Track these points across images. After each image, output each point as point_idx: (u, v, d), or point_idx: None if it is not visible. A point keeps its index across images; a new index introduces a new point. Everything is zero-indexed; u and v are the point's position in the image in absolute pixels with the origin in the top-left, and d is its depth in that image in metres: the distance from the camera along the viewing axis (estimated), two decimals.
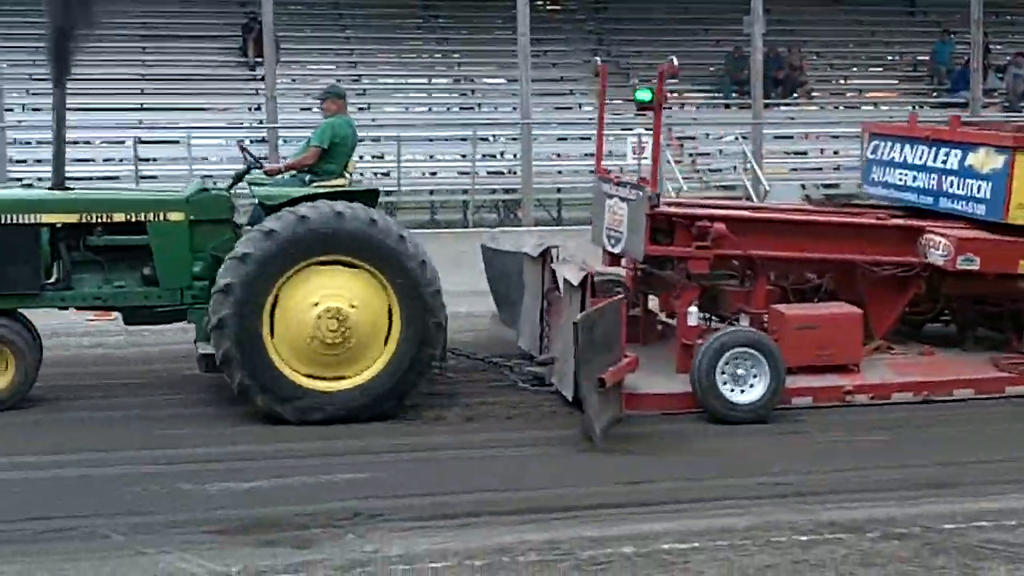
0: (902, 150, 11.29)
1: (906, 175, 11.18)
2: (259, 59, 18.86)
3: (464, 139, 18.63)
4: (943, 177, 10.67)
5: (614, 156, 18.85)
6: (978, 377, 9.89)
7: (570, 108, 21.36)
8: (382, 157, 19.16)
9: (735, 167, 19.71)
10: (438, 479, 7.79)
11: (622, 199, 9.85)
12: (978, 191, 10.24)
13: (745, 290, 9.90)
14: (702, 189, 18.94)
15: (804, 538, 6.79)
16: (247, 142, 12.06)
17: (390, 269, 8.87)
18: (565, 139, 20.16)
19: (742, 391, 9.00)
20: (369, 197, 9.30)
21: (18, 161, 17.61)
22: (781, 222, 10.08)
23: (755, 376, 9.03)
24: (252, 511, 7.18)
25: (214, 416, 9.28)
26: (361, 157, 19.85)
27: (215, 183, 9.74)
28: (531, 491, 7.61)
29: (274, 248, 8.68)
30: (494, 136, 19.63)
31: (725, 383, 9.00)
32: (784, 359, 9.13)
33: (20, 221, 9.10)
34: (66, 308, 9.63)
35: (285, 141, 17.71)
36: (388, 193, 18.32)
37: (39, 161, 17.76)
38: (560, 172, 19.21)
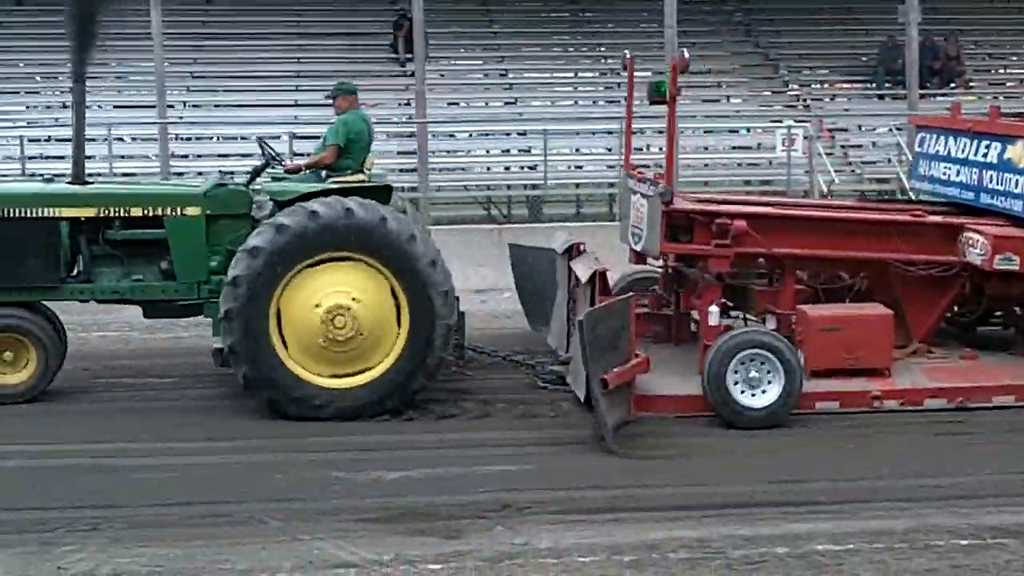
0: (946, 143, 10.64)
1: (950, 169, 10.53)
2: (409, 55, 19.14)
3: (610, 132, 18.57)
4: (983, 171, 10.03)
5: (762, 149, 18.57)
6: (1019, 383, 9.28)
7: (718, 101, 21.08)
8: (529, 151, 19.25)
9: (888, 159, 19.17)
10: (583, 473, 7.77)
11: (643, 195, 9.57)
12: (1016, 186, 9.59)
13: (772, 290, 9.54)
14: (855, 182, 18.50)
15: (964, 542, 6.58)
16: (286, 139, 12.41)
17: (399, 268, 8.81)
18: (711, 132, 19.90)
19: (753, 394, 8.67)
20: (382, 194, 9.22)
21: (180, 156, 18.29)
22: (805, 219, 9.58)
23: (769, 380, 8.68)
24: (402, 500, 7.28)
25: None
26: (508, 151, 20.06)
27: (232, 178, 9.78)
28: (680, 487, 7.56)
29: (284, 242, 8.68)
30: (641, 129, 19.49)
31: (737, 385, 8.67)
32: (809, 362, 8.85)
33: (39, 215, 9.25)
34: (86, 301, 9.69)
35: (434, 135, 17.97)
36: (534, 187, 18.45)
37: (200, 156, 18.48)
38: (707, 165, 18.97)
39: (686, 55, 9.27)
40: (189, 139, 19.07)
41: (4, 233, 9.20)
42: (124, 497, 7.33)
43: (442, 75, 20.69)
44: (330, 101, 9.88)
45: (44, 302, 9.57)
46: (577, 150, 19.39)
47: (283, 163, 9.88)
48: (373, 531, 6.80)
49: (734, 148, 19.25)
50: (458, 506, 7.15)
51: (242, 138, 18.40)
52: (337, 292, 8.79)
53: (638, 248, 9.83)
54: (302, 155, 17.53)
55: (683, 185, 17.00)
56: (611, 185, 17.70)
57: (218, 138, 19.30)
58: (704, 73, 21.06)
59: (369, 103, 19.71)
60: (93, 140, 17.26)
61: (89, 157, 16.83)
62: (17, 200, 9.37)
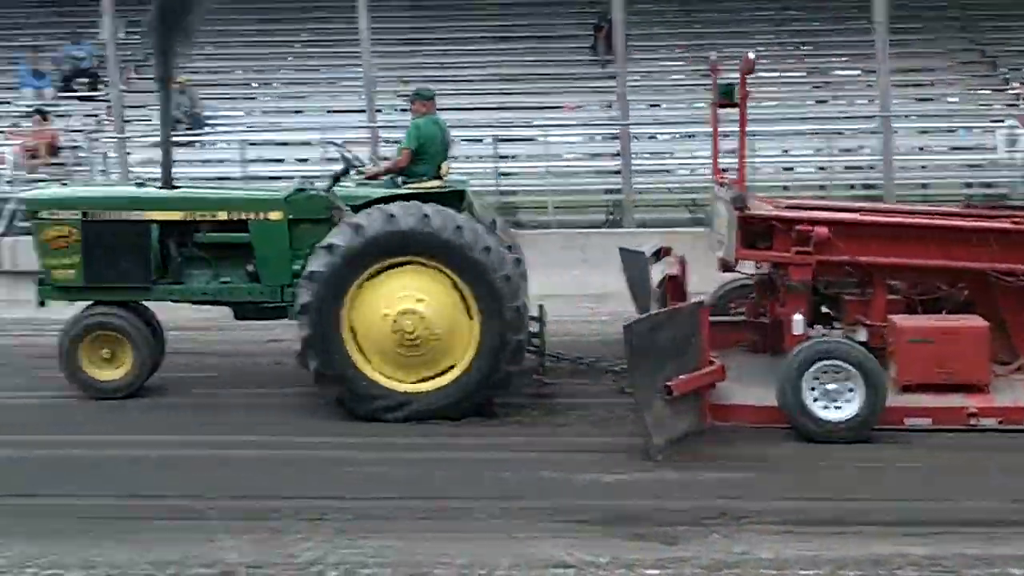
0: None
1: None
2: (610, 57, 19.09)
3: (818, 133, 18.09)
4: None
5: (983, 149, 17.76)
6: None
7: (932, 100, 20.28)
8: (732, 153, 18.89)
9: None
10: (804, 483, 7.58)
11: (723, 202, 9.32)
12: None
13: (863, 299, 9.10)
14: None
15: None
16: (374, 146, 12.50)
17: (471, 278, 8.81)
18: (927, 132, 19.15)
19: (837, 407, 8.27)
20: (454, 199, 9.25)
21: (385, 159, 18.60)
22: (891, 226, 9.04)
23: (850, 392, 8.27)
24: (618, 503, 7.24)
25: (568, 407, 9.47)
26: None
27: (312, 183, 9.84)
28: (911, 502, 7.27)
29: (360, 243, 8.78)
30: (850, 130, 18.95)
31: (816, 399, 8.30)
32: (900, 375, 8.48)
33: (132, 218, 9.59)
34: (177, 302, 9.92)
35: (636, 138, 17.86)
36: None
37: None
38: (924, 167, 18.27)
39: (751, 56, 8.84)
40: (398, 142, 19.45)
41: (99, 235, 9.57)
42: (350, 489, 7.53)
43: (643, 76, 20.57)
44: (409, 105, 10.03)
45: (143, 302, 9.91)
46: (785, 151, 18.95)
47: (362, 169, 9.98)
48: (590, 533, 6.78)
49: (953, 149, 18.45)
50: (676, 512, 7.05)
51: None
52: (408, 296, 8.86)
53: (720, 255, 9.59)
54: (507, 158, 17.92)
55: (900, 189, 16.60)
56: (822, 188, 17.25)
57: None
58: (917, 71, 20.34)
59: (571, 104, 19.91)
60: (308, 144, 18.04)
61: (303, 160, 18.04)
62: (111, 203, 9.75)
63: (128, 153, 17.19)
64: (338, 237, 8.86)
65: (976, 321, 8.74)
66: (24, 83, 20.22)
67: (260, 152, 18.19)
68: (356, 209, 9.09)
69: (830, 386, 8.29)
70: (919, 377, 8.54)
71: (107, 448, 8.58)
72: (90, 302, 9.76)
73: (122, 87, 18.07)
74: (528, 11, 21.83)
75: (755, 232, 8.94)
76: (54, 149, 18.11)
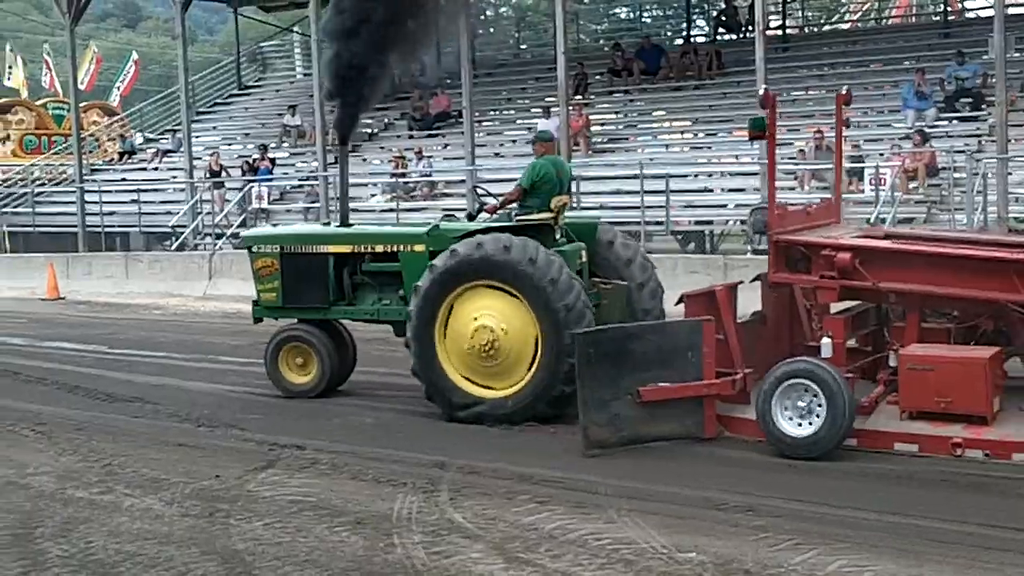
0: None
1: None
2: None
3: None
4: None
5: None
6: None
7: None
8: None
9: None
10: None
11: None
12: None
13: (899, 326, 9.22)
14: None
15: None
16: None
17: (539, 305, 9.74)
18: None
19: (799, 424, 8.45)
20: (545, 231, 10.29)
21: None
22: (914, 254, 9.01)
23: (819, 409, 8.40)
24: None
25: None
26: None
27: (456, 218, 11.49)
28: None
29: (452, 265, 9.98)
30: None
31: (786, 411, 8.51)
32: (901, 401, 8.60)
33: (314, 251, 11.32)
34: (351, 320, 11.48)
35: None
36: None
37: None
38: None
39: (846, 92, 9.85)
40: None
41: (292, 265, 11.33)
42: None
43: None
44: None
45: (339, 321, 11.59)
46: None
47: (484, 204, 11.14)
48: None
49: None
50: None
51: None
52: (488, 315, 9.92)
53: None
54: None
55: None
56: None
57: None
58: None
59: None
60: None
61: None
62: (298, 239, 11.61)
63: (1008, 174, 16.61)
64: (439, 260, 10.14)
65: (978, 352, 8.59)
66: (907, 104, 20.55)
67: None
68: (463, 238, 10.27)
69: (799, 403, 8.50)
70: (919, 404, 8.52)
71: None
72: (292, 319, 11.54)
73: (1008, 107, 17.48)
74: None
75: (795, 258, 9.26)
76: (932, 171, 18.15)
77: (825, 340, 8.88)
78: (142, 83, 44.51)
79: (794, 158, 19.65)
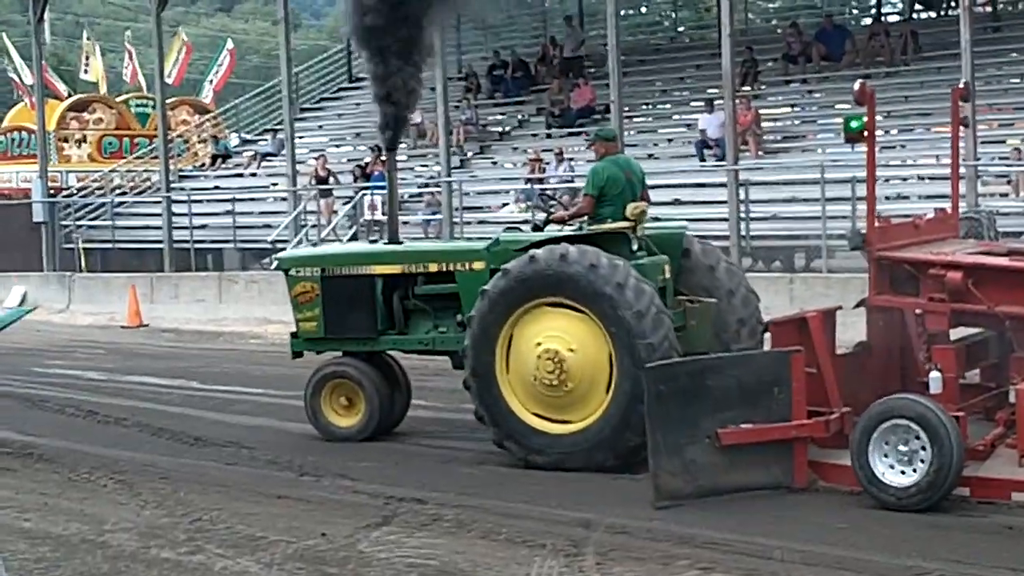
0: None
1: None
2: None
3: None
4: None
5: None
6: None
7: None
8: None
9: None
10: None
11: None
12: None
13: (1021, 357, 8.43)
14: None
15: None
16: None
17: (606, 317, 8.93)
18: None
19: (902, 472, 7.77)
20: (619, 240, 9.42)
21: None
22: None
23: (923, 454, 7.70)
24: None
25: None
26: None
27: (520, 230, 10.76)
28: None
29: (505, 286, 9.21)
30: None
31: (886, 458, 7.81)
32: (1018, 444, 7.91)
33: (359, 272, 10.47)
34: (402, 352, 10.64)
35: None
36: None
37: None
38: None
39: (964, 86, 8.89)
40: None
41: (334, 289, 10.46)
42: None
43: None
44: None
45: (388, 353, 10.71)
46: None
47: (552, 216, 10.31)
48: None
49: None
50: None
51: None
52: (553, 338, 9.12)
53: None
54: None
55: None
56: None
57: None
58: None
59: None
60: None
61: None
62: (341, 260, 10.74)
63: None
64: (491, 283, 9.39)
65: None
66: None
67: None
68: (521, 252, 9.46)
69: (901, 448, 7.84)
70: None
71: None
72: (336, 351, 10.66)
73: None
74: None
75: (897, 277, 8.64)
76: None
77: (934, 374, 8.33)
78: (238, 76, 42.75)
79: (1007, 158, 17.86)
